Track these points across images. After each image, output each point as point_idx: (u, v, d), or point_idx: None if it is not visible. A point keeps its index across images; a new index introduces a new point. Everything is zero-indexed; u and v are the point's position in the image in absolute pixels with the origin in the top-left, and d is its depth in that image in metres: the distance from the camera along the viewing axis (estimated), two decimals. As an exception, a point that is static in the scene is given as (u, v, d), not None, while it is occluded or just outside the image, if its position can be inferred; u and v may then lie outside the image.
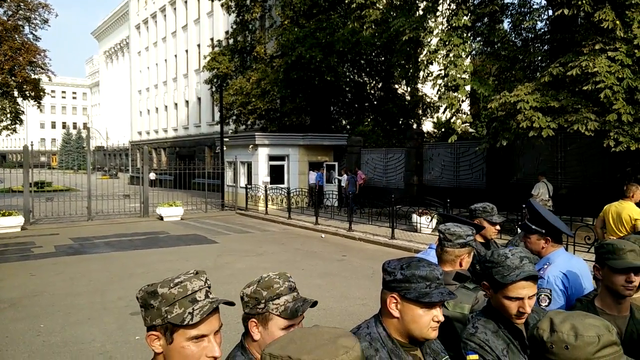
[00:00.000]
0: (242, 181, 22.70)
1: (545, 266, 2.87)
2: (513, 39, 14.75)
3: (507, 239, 7.01)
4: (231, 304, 1.43)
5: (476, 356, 1.99)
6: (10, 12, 24.25)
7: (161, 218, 19.21)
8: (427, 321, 1.74)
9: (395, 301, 1.78)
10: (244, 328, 1.79)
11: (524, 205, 10.21)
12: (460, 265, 2.65)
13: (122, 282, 9.48)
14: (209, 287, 1.40)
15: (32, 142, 19.37)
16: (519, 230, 9.70)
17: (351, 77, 24.21)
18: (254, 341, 1.73)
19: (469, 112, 16.34)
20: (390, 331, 1.80)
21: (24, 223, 16.80)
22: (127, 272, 10.31)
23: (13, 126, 27.20)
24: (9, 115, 26.95)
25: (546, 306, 2.69)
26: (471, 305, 2.42)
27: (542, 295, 2.75)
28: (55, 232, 16.10)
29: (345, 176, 21.12)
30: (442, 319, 1.76)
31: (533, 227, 2.94)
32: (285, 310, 1.68)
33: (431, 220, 14.16)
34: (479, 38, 14.64)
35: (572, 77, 10.62)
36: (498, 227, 3.70)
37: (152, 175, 33.99)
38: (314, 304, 1.76)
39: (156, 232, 16.24)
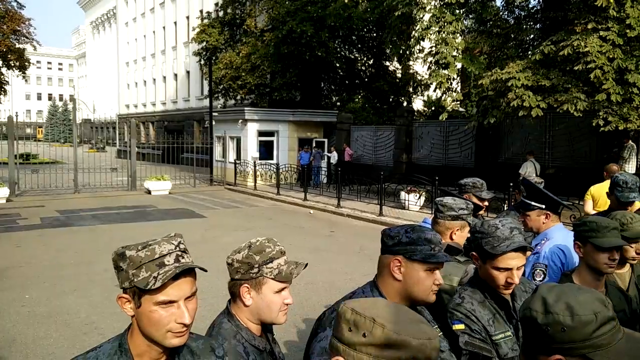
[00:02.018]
0: (231, 156, 22.57)
1: (543, 241, 2.86)
2: (505, 16, 14.66)
3: (491, 216, 7.07)
4: (201, 269, 1.39)
5: (462, 326, 2.01)
6: (-7, -21, 23.54)
7: (149, 192, 19.09)
8: (429, 284, 1.78)
9: (399, 264, 1.80)
10: (231, 295, 1.77)
11: (511, 184, 10.28)
12: (451, 238, 2.65)
13: (108, 254, 9.28)
14: (183, 251, 1.36)
15: (16, 113, 19.00)
16: (505, 208, 9.77)
17: (342, 53, 23.97)
18: (246, 306, 1.72)
19: (459, 91, 16.30)
20: (389, 296, 1.80)
21: (9, 195, 16.60)
22: (114, 245, 10.13)
23: (-3, 97, 26.65)
24: (-8, 85, 26.35)
25: (541, 281, 2.68)
26: (460, 278, 2.44)
27: (538, 270, 2.75)
28: (41, 204, 15.96)
29: (334, 153, 21.08)
30: (442, 282, 1.81)
31: (532, 203, 2.93)
32: (280, 273, 1.70)
33: (419, 197, 14.22)
34: (472, 15, 14.52)
35: (564, 56, 10.61)
36: (486, 203, 3.70)
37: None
38: (305, 265, 1.80)
39: (144, 205, 16.16)
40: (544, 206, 2.91)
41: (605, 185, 6.58)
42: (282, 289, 1.72)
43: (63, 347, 5.33)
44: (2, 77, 26.31)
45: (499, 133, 15.79)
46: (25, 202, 16.38)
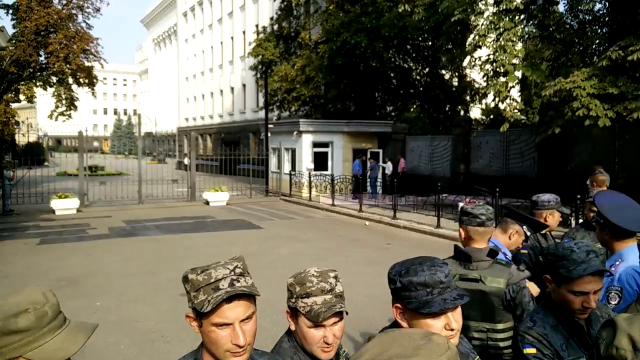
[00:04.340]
0: (286, 167, 22.88)
1: (617, 262, 2.74)
2: (569, 21, 14.09)
3: (561, 230, 6.76)
4: (252, 294, 1.42)
5: (533, 350, 1.95)
6: (64, 1, 25.07)
7: (207, 203, 19.65)
8: (438, 330, 1.55)
9: (401, 311, 1.63)
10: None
11: (579, 196, 9.82)
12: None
13: (172, 264, 9.77)
14: (239, 275, 1.42)
15: (86, 128, 20.12)
16: (573, 223, 9.32)
17: (397, 62, 23.83)
18: (293, 330, 1.74)
19: (518, 99, 15.79)
20: None
21: (79, 205, 17.55)
22: (177, 255, 10.62)
23: (68, 112, 28.26)
24: (64, 102, 28.02)
25: (616, 304, 2.58)
26: (507, 279, 2.52)
27: (612, 293, 2.64)
28: (108, 215, 16.75)
29: (389, 164, 20.94)
30: (455, 326, 1.55)
31: (602, 220, 2.83)
32: (310, 312, 1.64)
33: (479, 209, 13.83)
34: (532, 21, 14.07)
35: (633, 62, 10.09)
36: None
37: (186, 160, 35.67)
38: (341, 313, 1.67)
39: (203, 216, 16.64)
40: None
41: None
42: (317, 327, 1.65)
43: (133, 354, 5.56)
44: (72, 93, 27.95)
45: (564, 142, 15.13)
46: (94, 213, 17.25)
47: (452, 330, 1.55)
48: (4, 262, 9.97)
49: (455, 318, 1.56)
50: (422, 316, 1.55)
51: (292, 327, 1.73)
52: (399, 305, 1.62)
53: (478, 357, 1.86)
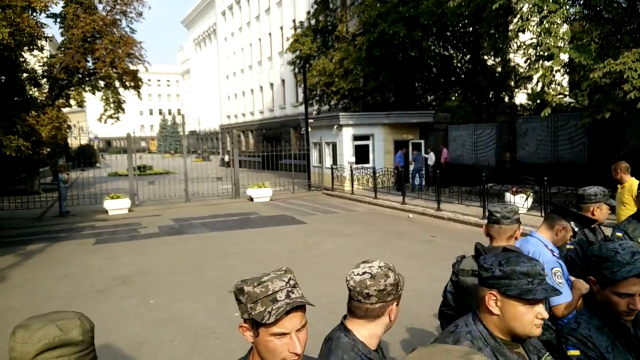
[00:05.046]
0: (328, 162, 22.95)
1: None
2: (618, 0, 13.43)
3: (613, 219, 6.50)
4: (309, 304, 1.51)
5: (577, 352, 1.97)
6: (108, 8, 25.95)
7: (251, 199, 19.97)
8: (530, 318, 1.70)
9: (494, 298, 1.74)
10: (373, 316, 1.81)
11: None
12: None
13: (219, 261, 10.04)
14: (293, 287, 1.50)
15: (133, 129, 20.81)
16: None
17: (436, 50, 23.39)
18: (391, 321, 1.85)
19: (563, 83, 15.17)
20: (491, 328, 1.77)
21: (130, 205, 18.20)
22: (224, 252, 10.88)
23: (116, 115, 29.33)
24: (112, 105, 29.10)
25: None
26: None
27: None
28: (158, 214, 17.30)
29: (431, 154, 20.66)
30: (546, 315, 1.72)
31: None
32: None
33: (526, 199, 13.47)
34: (578, 1, 13.50)
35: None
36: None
37: (226, 157, 36.69)
38: None
39: (247, 213, 16.93)
40: None
41: (630, 185, 5.89)
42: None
43: (185, 351, 5.75)
44: (120, 96, 28.98)
45: (616, 126, 14.50)
46: (144, 212, 17.85)
47: (542, 319, 1.71)
48: (62, 262, 10.51)
49: (544, 309, 1.73)
50: (521, 302, 1.69)
51: (393, 318, 1.84)
52: (494, 292, 1.74)
53: (548, 353, 1.91)
